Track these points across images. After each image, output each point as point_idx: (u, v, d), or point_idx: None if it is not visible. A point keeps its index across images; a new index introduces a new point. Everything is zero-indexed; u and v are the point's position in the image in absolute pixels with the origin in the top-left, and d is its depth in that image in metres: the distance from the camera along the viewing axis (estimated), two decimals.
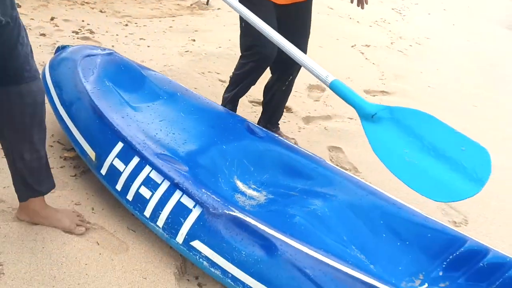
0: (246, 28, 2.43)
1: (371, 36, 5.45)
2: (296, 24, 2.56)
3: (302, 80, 3.19)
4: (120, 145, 1.96)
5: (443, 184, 1.54)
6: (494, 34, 6.92)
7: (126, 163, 1.91)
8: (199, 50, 3.78)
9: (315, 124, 3.09)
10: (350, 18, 6.01)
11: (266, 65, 2.53)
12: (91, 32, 3.98)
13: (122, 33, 4.09)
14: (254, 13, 2.22)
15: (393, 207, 1.99)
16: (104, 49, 2.52)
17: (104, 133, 2.01)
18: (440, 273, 1.84)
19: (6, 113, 1.64)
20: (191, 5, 5.25)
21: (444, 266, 1.84)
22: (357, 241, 1.90)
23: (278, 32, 2.18)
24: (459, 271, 1.82)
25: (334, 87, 1.80)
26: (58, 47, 2.57)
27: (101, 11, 4.61)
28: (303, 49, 2.54)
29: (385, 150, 1.62)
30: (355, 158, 2.75)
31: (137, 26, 4.36)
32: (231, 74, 2.79)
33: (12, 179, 1.80)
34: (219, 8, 5.22)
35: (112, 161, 1.94)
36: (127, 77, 2.37)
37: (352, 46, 4.90)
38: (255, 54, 2.46)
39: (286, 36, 2.23)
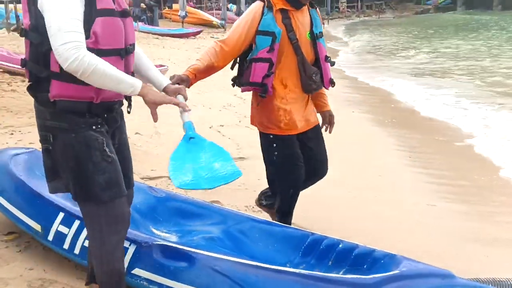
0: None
1: (223, 118, 6.66)
2: (318, 145, 3.03)
3: None
4: (61, 215, 2.64)
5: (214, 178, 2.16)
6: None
7: (69, 227, 2.59)
8: None
9: None
10: (203, 106, 7.20)
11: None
12: None
13: (10, 141, 4.62)
14: (286, 149, 2.84)
15: (262, 225, 2.94)
16: (27, 148, 3.18)
17: (46, 209, 2.67)
18: (299, 260, 2.80)
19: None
20: None
21: (300, 255, 2.81)
22: (244, 251, 2.79)
23: (305, 155, 2.90)
24: (309, 256, 2.78)
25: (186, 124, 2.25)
26: None
27: None
28: (327, 166, 3.09)
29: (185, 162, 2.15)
30: (232, 205, 3.69)
31: (21, 133, 4.91)
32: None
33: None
34: None
35: (57, 228, 2.61)
36: None
37: (210, 127, 6.02)
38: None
39: (312, 157, 2.92)
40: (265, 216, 3.52)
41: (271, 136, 2.88)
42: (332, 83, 2.97)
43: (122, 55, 1.97)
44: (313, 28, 2.85)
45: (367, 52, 19.11)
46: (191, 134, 2.17)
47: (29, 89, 1.99)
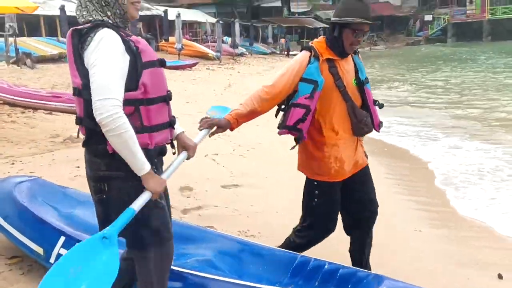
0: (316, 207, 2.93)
1: (218, 147, 6.86)
2: (366, 187, 2.99)
3: (173, 182, 4.24)
4: (62, 239, 2.79)
5: None
6: None
7: None
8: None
9: (191, 214, 4.17)
10: None
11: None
12: None
13: (12, 170, 4.79)
14: (328, 196, 2.87)
15: (253, 247, 3.10)
16: (30, 176, 3.35)
17: (48, 233, 2.83)
18: (288, 281, 2.94)
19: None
20: (64, 140, 6.14)
21: (289, 275, 2.96)
22: (236, 273, 2.94)
23: (351, 198, 2.90)
24: (297, 276, 2.94)
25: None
26: None
27: None
28: (375, 207, 3.02)
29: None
30: (226, 230, 3.84)
31: (22, 163, 5.09)
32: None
33: None
34: None
35: (58, 251, 2.76)
36: (53, 193, 3.23)
37: (205, 156, 6.21)
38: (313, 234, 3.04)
39: (358, 201, 2.91)
40: (256, 240, 3.68)
41: (315, 183, 2.92)
42: (380, 125, 3.01)
43: (166, 100, 2.15)
44: (359, 74, 2.91)
45: None
46: (107, 233, 1.93)
47: (85, 143, 2.09)
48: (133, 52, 2.00)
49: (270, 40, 41.37)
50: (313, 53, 2.79)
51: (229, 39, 31.61)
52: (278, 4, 51.23)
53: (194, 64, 19.84)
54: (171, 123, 2.20)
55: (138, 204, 2.02)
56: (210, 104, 2.90)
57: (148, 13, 29.75)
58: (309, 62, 2.77)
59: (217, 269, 2.90)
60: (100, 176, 2.06)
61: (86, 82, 1.95)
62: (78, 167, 4.98)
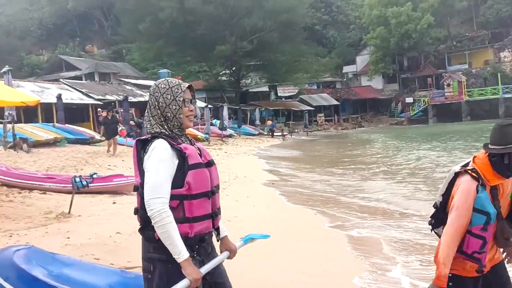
0: None
1: None
2: (503, 282, 2.84)
3: None
4: None
5: None
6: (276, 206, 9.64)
7: None
8: (75, 242, 5.30)
9: None
10: None
11: None
12: None
13: (10, 242, 5.40)
14: None
15: None
16: (26, 245, 4.03)
17: None
18: None
19: None
20: (56, 216, 6.80)
21: None
22: None
23: None
24: None
25: None
26: None
27: None
28: None
29: None
30: None
31: (19, 236, 5.72)
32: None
33: None
34: (79, 215, 6.86)
35: None
36: (45, 258, 3.90)
37: None
38: None
39: None
40: None
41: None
42: None
43: (209, 196, 2.50)
44: None
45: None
46: None
47: (140, 230, 2.49)
48: (182, 157, 2.42)
49: (257, 122, 43.06)
50: (480, 182, 2.70)
51: (218, 122, 33.06)
52: (266, 89, 53.72)
53: None
54: (213, 215, 2.53)
55: (178, 286, 2.32)
56: None
57: (141, 99, 31.25)
58: (477, 191, 2.68)
59: None
60: (148, 257, 2.45)
61: (142, 182, 2.43)
62: (68, 238, 5.63)
